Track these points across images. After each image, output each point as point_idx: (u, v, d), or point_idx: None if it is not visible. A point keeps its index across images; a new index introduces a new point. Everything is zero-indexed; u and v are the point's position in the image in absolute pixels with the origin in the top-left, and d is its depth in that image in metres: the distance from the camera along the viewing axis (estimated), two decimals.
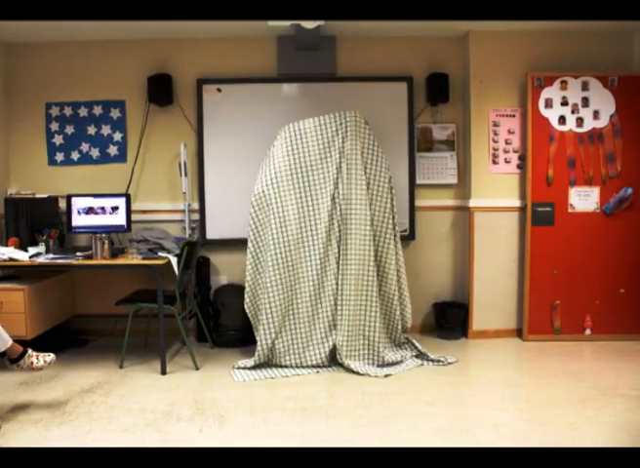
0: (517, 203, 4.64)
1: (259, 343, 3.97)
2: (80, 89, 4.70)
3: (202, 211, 4.71)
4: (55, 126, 4.71)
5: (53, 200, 4.52)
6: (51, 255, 3.96)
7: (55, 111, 4.70)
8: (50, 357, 3.25)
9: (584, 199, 4.52)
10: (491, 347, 4.46)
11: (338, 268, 3.98)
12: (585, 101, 4.48)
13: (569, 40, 4.58)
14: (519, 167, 4.64)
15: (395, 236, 4.11)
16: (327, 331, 4.00)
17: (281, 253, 3.95)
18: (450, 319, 4.66)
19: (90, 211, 4.40)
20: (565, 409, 3.22)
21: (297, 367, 3.98)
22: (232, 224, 4.68)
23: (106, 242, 3.91)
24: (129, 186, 4.71)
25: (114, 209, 4.40)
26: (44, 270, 4.23)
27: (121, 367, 4.01)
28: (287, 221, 3.96)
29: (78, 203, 4.40)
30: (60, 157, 4.73)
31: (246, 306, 4.07)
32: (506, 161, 4.63)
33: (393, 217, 4.10)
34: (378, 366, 3.97)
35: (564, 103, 4.48)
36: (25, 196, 4.38)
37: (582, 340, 4.56)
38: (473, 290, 4.68)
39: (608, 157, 4.48)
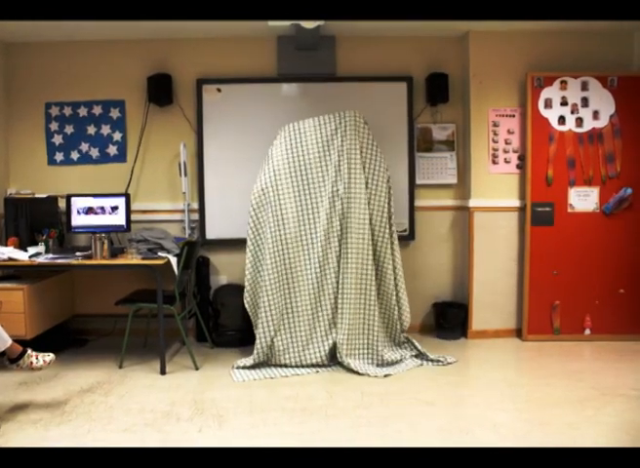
0: (517, 203, 4.64)
1: (258, 341, 3.98)
2: (80, 89, 4.70)
3: (202, 211, 4.71)
4: (54, 126, 4.71)
5: (52, 200, 4.52)
6: (50, 255, 3.96)
7: (54, 111, 4.70)
8: (49, 357, 3.25)
9: (584, 199, 4.52)
10: (490, 347, 4.46)
11: (338, 267, 3.98)
12: (585, 101, 4.48)
13: (569, 40, 4.59)
14: (519, 167, 4.64)
15: (392, 236, 4.11)
16: (327, 330, 4.00)
17: (280, 251, 3.95)
18: (449, 319, 4.66)
19: (89, 210, 4.40)
20: (564, 409, 3.22)
21: (296, 366, 3.98)
22: (232, 224, 4.68)
23: (106, 242, 3.91)
24: (128, 186, 4.71)
25: (114, 209, 4.40)
26: (43, 270, 4.23)
27: (120, 367, 4.01)
28: (286, 220, 3.97)
29: (78, 203, 4.40)
30: (59, 157, 4.73)
31: (246, 304, 4.07)
32: (506, 161, 4.63)
33: (391, 218, 4.10)
34: (377, 365, 3.97)
35: (564, 103, 4.48)
36: (25, 196, 4.38)
37: (582, 340, 4.56)
38: (473, 290, 4.69)
39: (607, 157, 4.49)
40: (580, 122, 4.48)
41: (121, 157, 4.74)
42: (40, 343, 3.88)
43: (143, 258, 3.90)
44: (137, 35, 4.58)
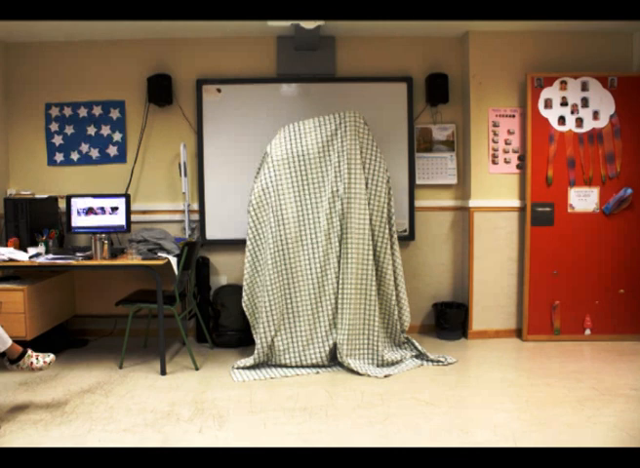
0: (517, 203, 4.64)
1: (258, 342, 3.98)
2: (80, 89, 4.70)
3: (202, 211, 4.71)
4: (54, 126, 4.71)
5: (52, 200, 4.53)
6: (50, 256, 3.96)
7: (54, 111, 4.70)
8: (49, 357, 3.25)
9: (584, 199, 4.52)
10: (490, 347, 4.46)
11: (338, 267, 3.98)
12: (585, 102, 4.48)
13: (569, 40, 4.59)
14: (519, 167, 4.64)
15: (392, 237, 4.12)
16: (327, 330, 4.00)
17: (280, 251, 3.96)
18: (449, 319, 4.66)
19: (89, 211, 4.40)
20: (564, 408, 3.22)
21: (297, 366, 3.98)
22: (232, 225, 4.69)
23: (106, 242, 3.91)
24: (128, 187, 4.71)
25: (114, 209, 4.40)
26: (44, 270, 4.24)
27: (121, 367, 4.01)
28: (286, 221, 3.97)
29: (78, 203, 4.40)
30: (59, 157, 4.73)
31: (244, 304, 4.08)
32: (506, 161, 4.63)
33: (391, 218, 4.11)
34: (377, 365, 3.98)
35: (563, 104, 4.48)
36: (25, 196, 4.38)
37: (582, 340, 4.56)
38: (473, 290, 4.69)
39: (607, 157, 4.49)
40: (579, 122, 4.48)
41: (121, 157, 4.74)
42: (40, 344, 3.89)
43: (143, 259, 3.90)
44: (137, 35, 4.59)
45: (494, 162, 4.63)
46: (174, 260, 3.95)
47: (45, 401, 3.41)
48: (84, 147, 4.73)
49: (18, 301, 3.82)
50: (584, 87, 4.48)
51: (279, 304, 3.96)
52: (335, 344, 3.99)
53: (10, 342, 3.16)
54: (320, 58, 4.66)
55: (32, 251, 4.01)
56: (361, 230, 3.94)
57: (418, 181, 4.78)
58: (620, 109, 4.47)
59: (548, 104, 4.48)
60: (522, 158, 4.62)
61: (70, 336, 4.63)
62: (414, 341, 4.19)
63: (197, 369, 3.99)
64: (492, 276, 4.68)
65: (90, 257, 3.93)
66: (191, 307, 4.49)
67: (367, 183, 4.02)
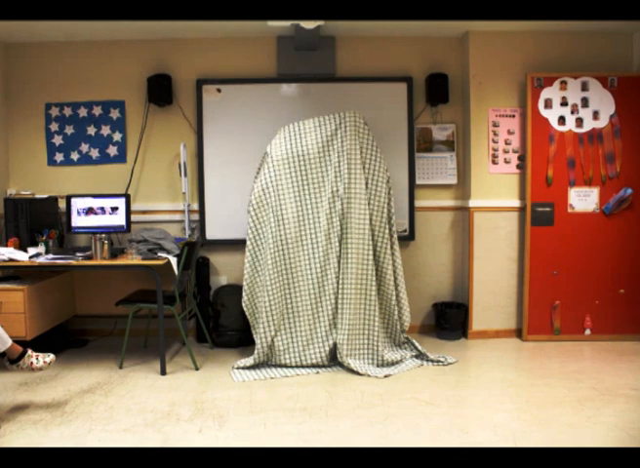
0: (517, 203, 4.64)
1: (258, 342, 3.98)
2: (80, 89, 4.70)
3: (202, 211, 4.71)
4: (54, 126, 4.71)
5: (52, 200, 4.53)
6: (50, 256, 3.95)
7: (54, 111, 4.70)
8: (49, 357, 3.25)
9: (584, 199, 4.52)
10: (490, 347, 4.46)
11: (338, 267, 3.98)
12: (585, 102, 4.48)
13: (569, 40, 4.59)
14: (519, 167, 4.64)
15: (392, 237, 4.12)
16: (327, 330, 4.00)
17: (280, 251, 3.96)
18: (449, 319, 4.66)
19: (89, 211, 4.40)
20: (564, 408, 3.22)
21: (297, 366, 3.98)
22: (232, 225, 4.69)
23: (106, 242, 3.91)
24: (128, 187, 4.71)
25: (114, 209, 4.41)
26: (44, 270, 4.24)
27: (121, 367, 4.01)
28: (286, 220, 3.97)
29: (78, 203, 4.40)
30: (59, 157, 4.73)
31: (244, 305, 4.08)
32: (506, 161, 4.63)
33: (391, 218, 4.11)
34: (377, 365, 3.98)
35: (563, 104, 4.48)
36: (25, 196, 4.38)
37: (582, 340, 4.56)
38: (473, 290, 4.69)
39: (607, 157, 4.49)
40: (579, 122, 4.48)
41: (121, 157, 4.74)
42: (40, 344, 3.89)
43: (143, 259, 3.90)
44: (137, 35, 4.59)
45: (494, 162, 4.63)
46: (174, 260, 3.95)
47: (45, 401, 3.41)
48: (84, 147, 4.73)
49: (18, 301, 3.82)
50: (584, 87, 4.48)
51: (279, 304, 3.96)
52: (335, 344, 3.99)
53: (10, 342, 3.16)
54: (320, 58, 4.66)
55: (32, 251, 4.01)
56: (361, 230, 3.94)
57: (418, 181, 4.78)
58: (620, 109, 4.47)
59: (548, 104, 4.48)
60: (522, 158, 4.62)
61: (70, 336, 4.63)
62: (414, 341, 4.19)
63: (197, 369, 3.99)
64: (492, 276, 4.68)
65: (90, 257, 3.93)
66: (191, 307, 4.49)
67: (367, 183, 4.02)
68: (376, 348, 3.99)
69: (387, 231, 4.07)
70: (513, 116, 4.62)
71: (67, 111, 4.70)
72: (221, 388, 3.62)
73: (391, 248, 4.10)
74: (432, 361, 4.07)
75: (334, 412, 3.20)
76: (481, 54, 4.58)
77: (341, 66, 4.73)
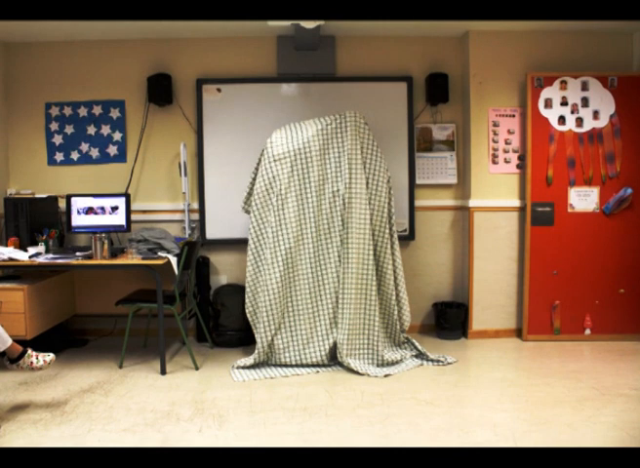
0: (517, 203, 4.64)
1: (258, 341, 3.98)
2: (80, 89, 4.70)
3: (202, 211, 4.71)
4: (54, 126, 4.71)
5: (52, 200, 4.53)
6: (50, 255, 3.96)
7: (54, 111, 4.70)
8: (49, 357, 3.25)
9: (584, 199, 4.52)
10: (490, 347, 4.46)
11: (338, 267, 3.98)
12: (585, 101, 4.48)
13: (569, 40, 4.59)
14: (519, 167, 4.64)
15: (393, 237, 4.12)
16: (328, 329, 4.01)
17: (281, 250, 3.96)
18: (449, 319, 4.66)
19: (89, 211, 4.40)
20: (564, 408, 3.22)
21: (297, 365, 3.99)
22: (232, 224, 4.69)
23: (106, 242, 3.91)
24: (128, 186, 4.71)
25: (114, 209, 4.41)
26: (44, 270, 4.24)
27: (121, 366, 4.01)
28: (287, 219, 3.96)
29: (78, 203, 4.40)
30: (59, 157, 4.73)
31: (247, 306, 4.07)
32: (506, 161, 4.63)
33: (391, 218, 4.11)
34: (377, 365, 3.98)
35: (564, 103, 4.48)
36: (25, 196, 4.38)
37: (582, 340, 4.56)
38: (473, 290, 4.69)
39: (607, 157, 4.49)
40: (580, 122, 4.48)
41: (121, 157, 4.74)
42: (40, 343, 3.89)
43: (143, 258, 3.90)
44: (137, 35, 4.59)
45: (494, 162, 4.63)
46: (174, 260, 3.95)
47: (45, 400, 3.41)
48: (84, 147, 4.73)
49: (18, 301, 3.82)
50: (584, 86, 4.48)
51: (280, 303, 3.96)
52: (335, 343, 3.99)
53: (10, 342, 3.16)
54: (320, 58, 4.66)
55: (32, 250, 4.01)
56: (361, 230, 3.94)
57: (418, 181, 4.78)
58: (620, 109, 4.47)
59: (548, 104, 4.48)
60: (522, 158, 4.62)
61: (70, 336, 4.64)
62: (414, 341, 4.19)
63: (197, 368, 3.99)
64: (492, 276, 4.68)
65: (90, 257, 3.93)
66: (191, 307, 4.49)
67: (367, 183, 4.02)
68: (376, 348, 3.99)
69: (388, 231, 4.07)
70: (513, 116, 4.62)
71: (67, 111, 4.70)
72: (221, 388, 3.62)
73: (391, 247, 4.10)
74: (432, 360, 4.07)
75: (334, 412, 3.20)
76: (481, 53, 4.58)
77: (342, 66, 4.73)
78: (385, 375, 3.82)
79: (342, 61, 4.73)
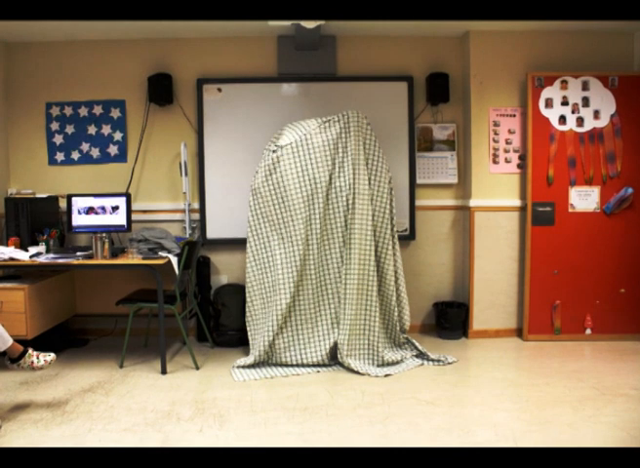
0: (517, 203, 4.64)
1: (260, 340, 3.98)
2: (80, 88, 4.70)
3: (202, 210, 4.71)
4: (55, 125, 4.71)
5: (53, 200, 4.53)
6: (51, 255, 3.96)
7: (55, 111, 4.70)
8: (50, 356, 3.25)
9: (585, 199, 4.51)
10: (491, 347, 4.46)
11: (340, 267, 3.98)
12: (586, 101, 4.48)
13: (569, 40, 4.59)
14: (519, 166, 4.64)
15: (394, 237, 4.12)
16: (329, 328, 4.01)
17: (283, 250, 3.95)
18: (450, 319, 4.66)
19: (90, 210, 4.40)
20: (565, 408, 3.22)
21: (297, 364, 3.99)
22: (233, 224, 4.69)
23: (107, 241, 3.91)
24: (129, 186, 4.72)
25: (114, 208, 4.40)
26: (44, 270, 4.25)
27: (121, 366, 4.01)
28: (290, 218, 3.95)
29: (78, 202, 4.40)
30: (60, 157, 4.73)
31: (247, 299, 4.07)
32: (507, 161, 4.63)
33: (392, 218, 4.11)
34: (378, 365, 3.98)
35: (564, 103, 4.48)
36: (26, 196, 4.38)
37: (583, 340, 4.56)
38: (473, 289, 4.69)
39: (608, 157, 4.48)
40: (580, 122, 4.48)
41: (122, 157, 4.74)
42: (41, 343, 3.89)
43: (144, 258, 3.90)
44: (137, 35, 4.59)
45: (494, 161, 4.63)
46: (174, 260, 3.96)
47: (45, 400, 3.41)
48: (85, 147, 4.73)
49: (18, 301, 3.82)
50: (585, 86, 4.47)
51: (282, 302, 3.96)
52: (335, 343, 3.99)
53: (11, 341, 3.16)
54: (321, 58, 4.66)
55: (33, 250, 4.01)
56: (363, 229, 3.94)
57: (418, 181, 4.77)
58: (620, 109, 4.46)
59: (549, 104, 4.48)
60: (523, 157, 4.61)
61: (71, 336, 4.64)
62: (414, 341, 4.19)
63: (198, 368, 4.00)
64: (492, 275, 4.68)
65: (90, 257, 3.93)
66: (192, 306, 4.50)
67: (369, 182, 4.02)
68: (376, 348, 3.99)
69: (389, 231, 4.07)
70: (514, 115, 4.61)
71: (68, 110, 4.70)
72: (222, 388, 3.63)
73: (392, 247, 4.10)
74: (433, 360, 4.07)
75: (334, 412, 3.21)
76: (482, 53, 4.58)
77: (342, 66, 4.73)
78: (386, 375, 3.82)
79: (343, 61, 4.72)
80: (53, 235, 4.27)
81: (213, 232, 4.73)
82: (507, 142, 4.62)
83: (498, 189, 4.64)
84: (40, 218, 4.34)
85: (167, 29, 4.48)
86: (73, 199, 4.40)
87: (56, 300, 4.25)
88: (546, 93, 4.48)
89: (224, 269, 4.81)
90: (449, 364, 4.04)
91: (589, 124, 4.48)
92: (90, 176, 4.74)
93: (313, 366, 3.99)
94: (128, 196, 4.44)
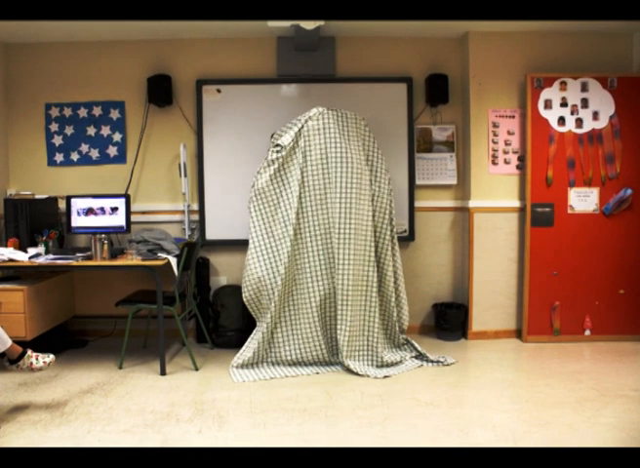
0: (517, 204, 4.64)
1: (259, 335, 3.97)
2: (80, 89, 4.70)
3: (202, 211, 4.71)
4: (54, 126, 4.71)
5: (52, 201, 4.52)
6: (50, 256, 3.95)
7: (54, 112, 4.70)
8: (49, 358, 3.25)
9: (584, 200, 4.52)
10: (490, 348, 4.45)
11: (340, 267, 3.98)
12: (585, 102, 4.48)
13: (568, 41, 4.59)
14: (518, 168, 4.64)
15: (393, 238, 4.12)
16: (329, 328, 4.00)
17: (283, 248, 3.95)
18: (449, 320, 4.66)
19: (89, 211, 4.40)
20: (564, 409, 3.21)
21: (296, 362, 3.98)
22: (232, 225, 4.69)
23: (106, 243, 3.91)
24: (128, 187, 4.71)
25: (114, 209, 4.40)
26: (43, 271, 4.24)
27: (120, 367, 4.00)
28: (292, 216, 3.95)
29: (78, 203, 4.40)
30: (59, 158, 4.73)
31: (247, 297, 4.07)
32: (506, 162, 4.63)
33: (392, 219, 4.11)
34: (377, 366, 3.97)
35: (563, 104, 4.49)
36: (25, 197, 4.38)
37: (582, 341, 4.56)
38: (473, 290, 4.68)
39: (607, 158, 4.49)
40: (579, 123, 4.48)
41: (121, 158, 4.74)
42: (40, 344, 3.89)
43: (143, 259, 3.90)
44: (137, 35, 4.59)
45: (494, 162, 4.63)
46: (174, 261, 3.95)
47: (44, 401, 3.41)
48: (84, 148, 4.72)
49: (17, 302, 3.82)
50: (584, 87, 4.48)
51: (282, 299, 3.95)
52: (335, 343, 3.99)
53: (10, 343, 3.15)
54: (320, 59, 4.67)
55: (32, 251, 4.01)
56: (364, 230, 3.94)
57: (417, 182, 4.78)
58: (619, 110, 4.47)
59: (548, 105, 4.48)
60: (522, 159, 4.62)
61: (70, 337, 4.63)
62: (413, 342, 4.19)
63: (197, 369, 3.99)
64: (492, 277, 4.68)
65: (90, 258, 3.93)
66: (191, 308, 4.49)
67: (370, 184, 4.02)
68: (375, 350, 3.99)
69: (389, 231, 4.07)
70: (513, 117, 4.62)
71: (67, 111, 4.70)
72: (221, 389, 3.62)
73: (392, 248, 4.10)
74: (432, 361, 4.06)
75: (333, 413, 3.20)
76: (481, 54, 4.58)
77: (341, 67, 4.73)
78: (385, 376, 3.81)
79: (342, 62, 4.73)
80: (52, 236, 4.27)
81: (212, 233, 4.72)
82: (507, 143, 4.62)
83: (497, 190, 4.64)
84: (39, 219, 4.33)
85: (166, 30, 4.48)
86: (72, 200, 4.40)
87: (55, 301, 4.25)
88: (545, 94, 4.48)
89: (224, 270, 4.81)
90: (448, 365, 4.04)
91: (588, 125, 4.49)
92: (89, 178, 4.73)
93: (312, 365, 3.98)
94: (127, 197, 4.43)
